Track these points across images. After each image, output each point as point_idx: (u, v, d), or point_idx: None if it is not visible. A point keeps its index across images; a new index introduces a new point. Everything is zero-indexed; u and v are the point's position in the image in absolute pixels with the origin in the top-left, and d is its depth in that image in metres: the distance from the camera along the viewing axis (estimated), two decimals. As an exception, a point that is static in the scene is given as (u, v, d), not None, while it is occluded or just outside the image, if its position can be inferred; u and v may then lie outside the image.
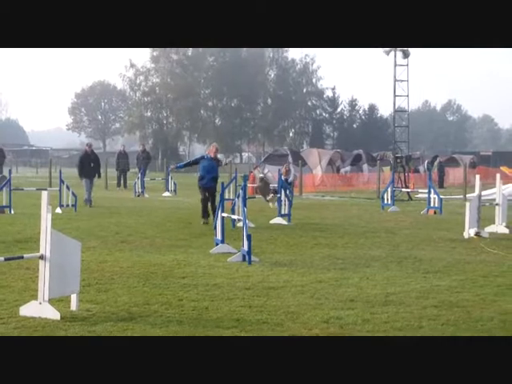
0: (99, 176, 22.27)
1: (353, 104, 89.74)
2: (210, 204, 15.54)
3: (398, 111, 31.49)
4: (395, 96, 30.34)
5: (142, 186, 26.35)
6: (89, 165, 21.27)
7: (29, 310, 6.82)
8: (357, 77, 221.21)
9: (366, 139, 79.71)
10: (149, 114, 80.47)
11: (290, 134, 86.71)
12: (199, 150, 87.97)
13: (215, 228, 11.65)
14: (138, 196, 25.92)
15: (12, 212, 17.93)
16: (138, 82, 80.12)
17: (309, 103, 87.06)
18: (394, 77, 29.99)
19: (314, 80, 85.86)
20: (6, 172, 25.55)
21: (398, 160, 26.52)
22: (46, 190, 7.72)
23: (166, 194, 27.25)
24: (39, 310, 6.77)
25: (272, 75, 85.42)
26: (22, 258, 8.14)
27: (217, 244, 11.33)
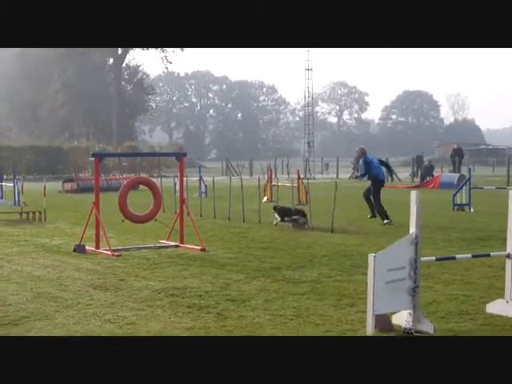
0: None
1: None
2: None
3: None
4: None
5: None
6: None
7: (495, 307, 7.08)
8: None
9: None
10: None
11: None
12: None
13: None
14: None
15: (471, 210, 18.91)
16: None
17: None
18: None
19: None
20: (464, 171, 26.47)
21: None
22: (505, 188, 7.86)
23: None
24: (506, 308, 6.97)
25: None
26: (489, 255, 8.50)
27: None
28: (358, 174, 18.24)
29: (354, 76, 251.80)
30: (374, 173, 16.14)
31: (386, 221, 15.55)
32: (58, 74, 76.48)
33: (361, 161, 16.70)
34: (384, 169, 16.82)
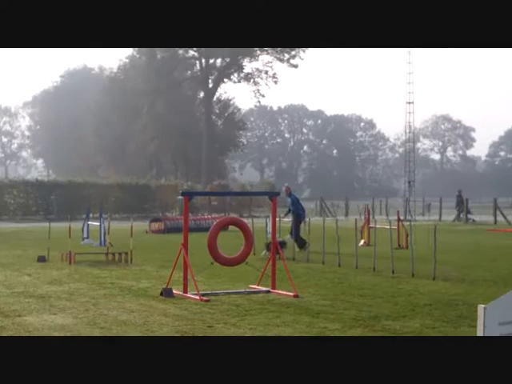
0: None
1: None
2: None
3: None
4: None
5: None
6: None
7: None
8: None
9: None
10: None
11: None
12: None
13: None
14: None
15: None
16: None
17: None
18: None
19: None
20: None
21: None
22: None
23: None
24: None
25: None
26: None
27: None
28: (284, 214, 21.33)
29: (459, 109, 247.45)
30: (296, 210, 20.43)
31: (302, 249, 19.08)
32: (148, 107, 78.41)
33: (289, 199, 20.81)
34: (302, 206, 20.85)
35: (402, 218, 26.64)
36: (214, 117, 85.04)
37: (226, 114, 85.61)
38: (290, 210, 20.81)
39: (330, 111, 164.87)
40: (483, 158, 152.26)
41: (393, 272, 15.01)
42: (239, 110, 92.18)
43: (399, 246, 20.65)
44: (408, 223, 18.76)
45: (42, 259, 17.52)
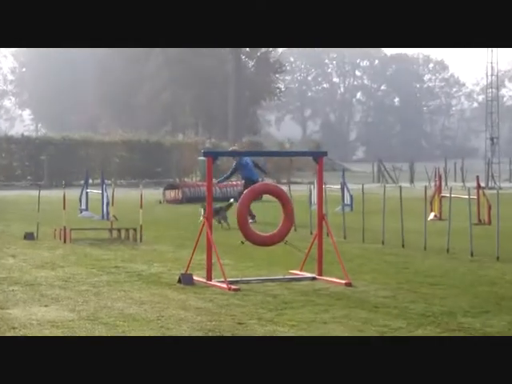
0: None
1: None
2: None
3: None
4: None
5: None
6: None
7: None
8: None
9: None
10: None
11: None
12: None
13: None
14: None
15: None
16: None
17: None
18: None
19: None
20: None
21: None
22: None
23: None
24: None
25: None
26: None
27: None
28: (221, 178, 23.50)
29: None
30: (247, 175, 22.21)
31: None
32: (161, 46, 78.31)
33: (234, 164, 22.74)
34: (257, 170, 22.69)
35: (482, 185, 26.40)
36: (243, 56, 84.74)
37: (258, 54, 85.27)
38: (228, 177, 23.63)
39: (389, 49, 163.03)
40: None
41: (472, 254, 14.87)
42: (275, 48, 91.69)
43: (480, 220, 20.47)
44: (491, 192, 18.57)
45: (29, 236, 17.65)
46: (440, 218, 21.44)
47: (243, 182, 23.09)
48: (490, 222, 19.82)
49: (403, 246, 16.29)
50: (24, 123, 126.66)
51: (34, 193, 22.92)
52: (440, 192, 23.46)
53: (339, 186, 26.01)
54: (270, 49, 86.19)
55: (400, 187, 18.83)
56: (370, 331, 8.76)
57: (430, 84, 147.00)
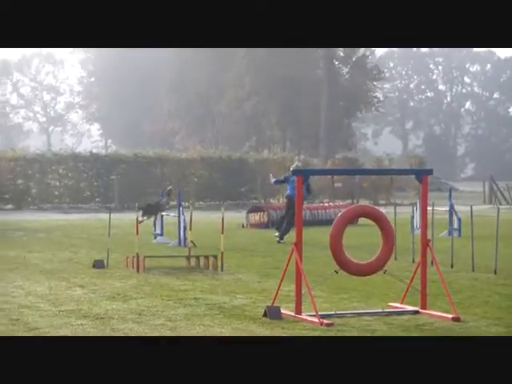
0: None
1: None
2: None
3: None
4: None
5: None
6: None
7: None
8: None
9: None
10: None
11: None
12: None
13: None
14: None
15: None
16: None
17: None
18: None
19: None
20: None
21: None
22: None
23: None
24: None
25: None
26: None
27: None
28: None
29: None
30: (291, 193, 23.27)
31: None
32: (245, 50, 77.98)
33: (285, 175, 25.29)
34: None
35: None
36: (336, 62, 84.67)
37: (354, 59, 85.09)
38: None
39: (503, 51, 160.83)
40: None
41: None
42: (373, 51, 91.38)
43: None
44: None
45: (99, 265, 17.87)
46: None
47: (285, 200, 25.38)
48: None
49: (519, 275, 16.12)
50: (92, 139, 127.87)
51: (104, 216, 23.31)
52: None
53: (446, 208, 25.79)
54: (367, 53, 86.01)
55: (516, 209, 18.56)
56: (482, 373, 8.68)
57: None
